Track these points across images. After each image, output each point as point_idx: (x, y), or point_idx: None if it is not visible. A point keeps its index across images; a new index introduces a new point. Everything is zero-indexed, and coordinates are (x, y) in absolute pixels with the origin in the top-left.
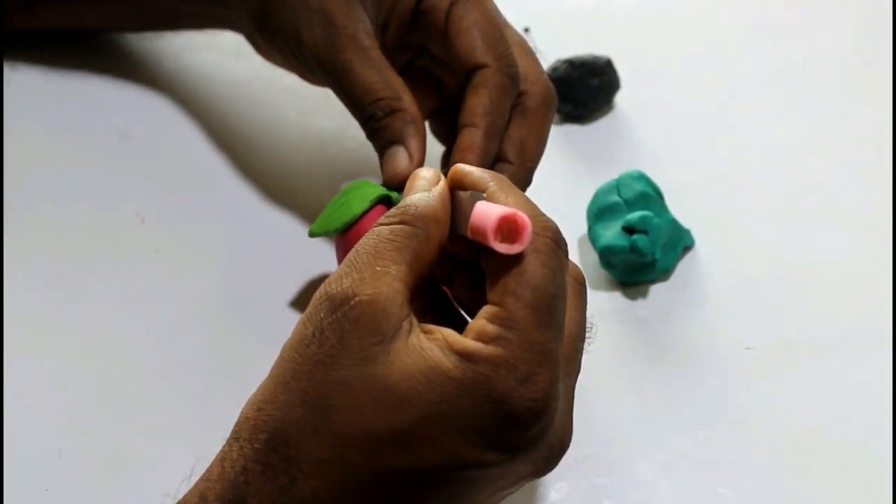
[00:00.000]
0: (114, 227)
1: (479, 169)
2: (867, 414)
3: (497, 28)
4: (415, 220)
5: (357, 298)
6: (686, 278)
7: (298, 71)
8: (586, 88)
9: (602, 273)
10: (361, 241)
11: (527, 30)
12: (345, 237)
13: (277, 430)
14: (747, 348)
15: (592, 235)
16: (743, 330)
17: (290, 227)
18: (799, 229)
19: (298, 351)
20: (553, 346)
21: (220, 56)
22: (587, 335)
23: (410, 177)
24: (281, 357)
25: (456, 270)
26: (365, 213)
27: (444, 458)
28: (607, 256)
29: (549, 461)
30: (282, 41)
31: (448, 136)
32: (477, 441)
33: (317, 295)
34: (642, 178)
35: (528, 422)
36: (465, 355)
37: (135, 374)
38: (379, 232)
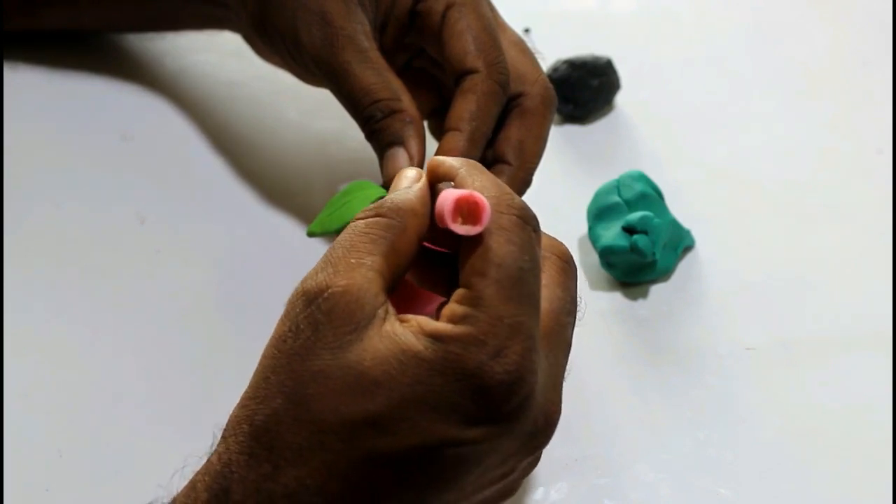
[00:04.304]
0: (114, 227)
1: (452, 158)
2: (867, 414)
3: (490, 34)
4: (390, 213)
5: (330, 290)
6: (686, 278)
7: (297, 72)
8: (586, 89)
9: (602, 273)
10: (338, 237)
11: (527, 30)
12: None
13: (259, 421)
14: (747, 348)
15: (593, 236)
16: (743, 330)
17: (289, 228)
18: (799, 229)
19: (277, 347)
20: (524, 319)
21: (221, 56)
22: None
23: (395, 177)
24: (262, 356)
25: (452, 289)
26: None
27: (422, 437)
28: (608, 257)
29: (536, 436)
30: (280, 42)
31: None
32: (453, 418)
33: (294, 291)
34: (642, 178)
35: (503, 394)
36: (436, 337)
37: (135, 374)
38: (354, 226)
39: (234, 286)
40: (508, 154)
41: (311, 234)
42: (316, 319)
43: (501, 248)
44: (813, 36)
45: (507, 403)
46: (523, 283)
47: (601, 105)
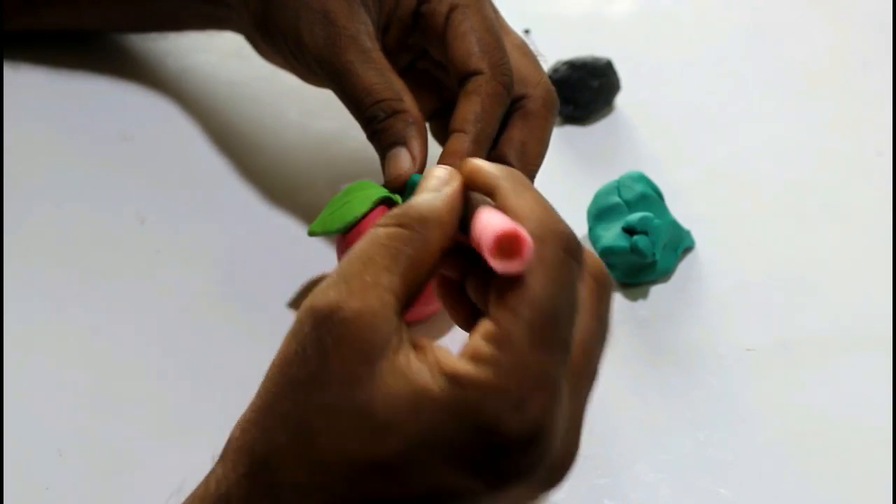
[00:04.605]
0: (114, 227)
1: (493, 165)
2: (867, 414)
3: (494, 35)
4: (414, 223)
5: (342, 313)
6: (686, 279)
7: (299, 72)
8: (587, 90)
9: None
10: (355, 246)
11: (527, 31)
12: (345, 238)
13: (259, 455)
14: (747, 349)
15: (593, 237)
16: (743, 331)
17: (290, 228)
18: (799, 230)
19: (282, 370)
20: (551, 369)
21: (222, 57)
22: None
23: (423, 175)
24: (267, 376)
25: (469, 272)
26: (366, 214)
27: (430, 486)
28: (608, 257)
29: (551, 482)
30: (282, 42)
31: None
32: (464, 470)
33: (303, 306)
34: (642, 179)
35: (520, 450)
36: (454, 378)
37: (135, 374)
38: (374, 236)
39: (234, 286)
40: (511, 156)
41: (311, 234)
42: (325, 345)
43: (540, 285)
44: (813, 37)
45: (523, 458)
46: (558, 327)
47: (601, 106)
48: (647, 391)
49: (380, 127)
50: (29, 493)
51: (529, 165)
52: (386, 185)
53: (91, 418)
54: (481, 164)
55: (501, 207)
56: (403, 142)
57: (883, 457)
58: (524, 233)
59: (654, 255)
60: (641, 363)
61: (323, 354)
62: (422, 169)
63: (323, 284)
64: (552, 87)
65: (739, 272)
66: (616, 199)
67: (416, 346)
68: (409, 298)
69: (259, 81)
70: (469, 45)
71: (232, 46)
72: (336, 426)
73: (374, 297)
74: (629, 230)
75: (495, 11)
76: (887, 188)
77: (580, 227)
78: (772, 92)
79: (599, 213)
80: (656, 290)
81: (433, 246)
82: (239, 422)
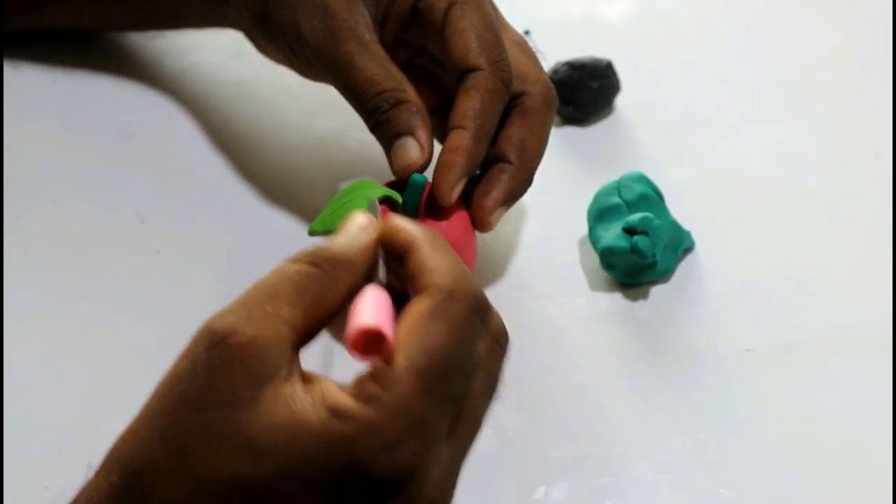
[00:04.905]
0: (114, 226)
1: (413, 226)
2: (867, 415)
3: (493, 32)
4: (323, 263)
5: (235, 338)
6: (686, 280)
7: (299, 67)
8: (587, 91)
9: (603, 274)
10: (263, 277)
11: (527, 32)
12: None
13: (134, 468)
14: (747, 350)
15: (593, 237)
16: (743, 331)
17: (290, 228)
18: (799, 231)
19: (170, 386)
20: (432, 417)
21: (222, 56)
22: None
23: (347, 218)
24: (155, 389)
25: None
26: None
27: None
28: (608, 258)
29: None
30: (281, 37)
31: (446, 134)
32: (330, 503)
33: (201, 326)
34: (643, 179)
35: (386, 491)
36: (334, 411)
37: (135, 373)
38: (283, 269)
39: (234, 286)
40: (510, 153)
41: (312, 234)
42: (214, 366)
43: (439, 337)
44: (813, 37)
45: (389, 500)
46: (447, 381)
47: (601, 107)
48: (647, 391)
49: (383, 118)
50: (29, 493)
51: (529, 162)
52: (395, 176)
53: (91, 418)
54: (399, 224)
55: (416, 263)
56: (410, 131)
57: (882, 457)
58: (388, 333)
59: (654, 255)
60: (641, 363)
61: (211, 375)
62: (429, 159)
63: (225, 308)
64: (551, 84)
65: (739, 273)
66: (616, 199)
67: (306, 379)
68: (308, 334)
69: (259, 81)
70: (467, 42)
71: (232, 46)
72: (212, 446)
73: (271, 327)
74: (629, 230)
75: (494, 8)
76: (887, 189)
77: (580, 228)
78: (771, 93)
79: (600, 214)
80: (656, 291)
81: (340, 287)
82: (121, 432)
